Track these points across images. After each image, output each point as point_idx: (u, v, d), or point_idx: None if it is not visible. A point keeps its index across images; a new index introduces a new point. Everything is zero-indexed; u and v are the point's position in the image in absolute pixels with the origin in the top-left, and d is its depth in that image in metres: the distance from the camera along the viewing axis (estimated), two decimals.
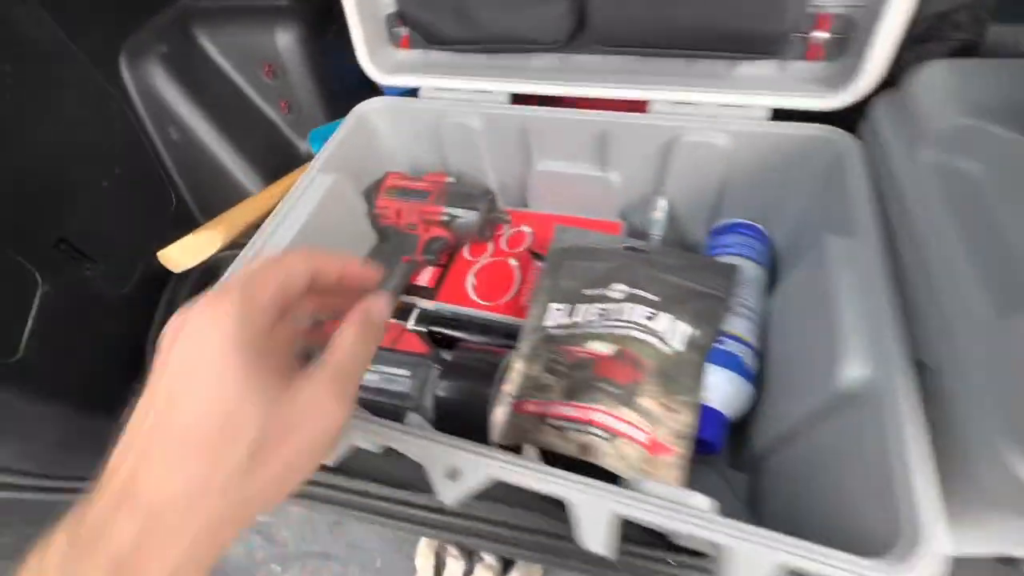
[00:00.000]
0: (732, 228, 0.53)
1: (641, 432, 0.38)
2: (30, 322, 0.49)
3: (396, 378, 0.45)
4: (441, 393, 0.43)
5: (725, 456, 0.46)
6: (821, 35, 0.44)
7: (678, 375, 0.42)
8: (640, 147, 0.51)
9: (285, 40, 0.67)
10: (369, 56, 0.56)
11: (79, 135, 0.57)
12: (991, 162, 0.33)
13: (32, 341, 0.48)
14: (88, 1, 0.58)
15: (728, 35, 0.43)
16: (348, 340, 0.25)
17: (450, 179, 0.56)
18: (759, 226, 0.54)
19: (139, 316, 0.64)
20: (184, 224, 0.72)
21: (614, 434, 0.38)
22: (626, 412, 0.39)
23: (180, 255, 0.46)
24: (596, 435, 0.38)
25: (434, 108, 0.55)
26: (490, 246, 0.60)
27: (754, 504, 0.43)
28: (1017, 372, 0.27)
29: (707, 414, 0.42)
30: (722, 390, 0.43)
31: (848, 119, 0.45)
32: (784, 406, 0.40)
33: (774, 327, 0.46)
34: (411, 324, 0.55)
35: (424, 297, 0.56)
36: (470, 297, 0.55)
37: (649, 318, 0.43)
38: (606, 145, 0.51)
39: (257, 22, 0.67)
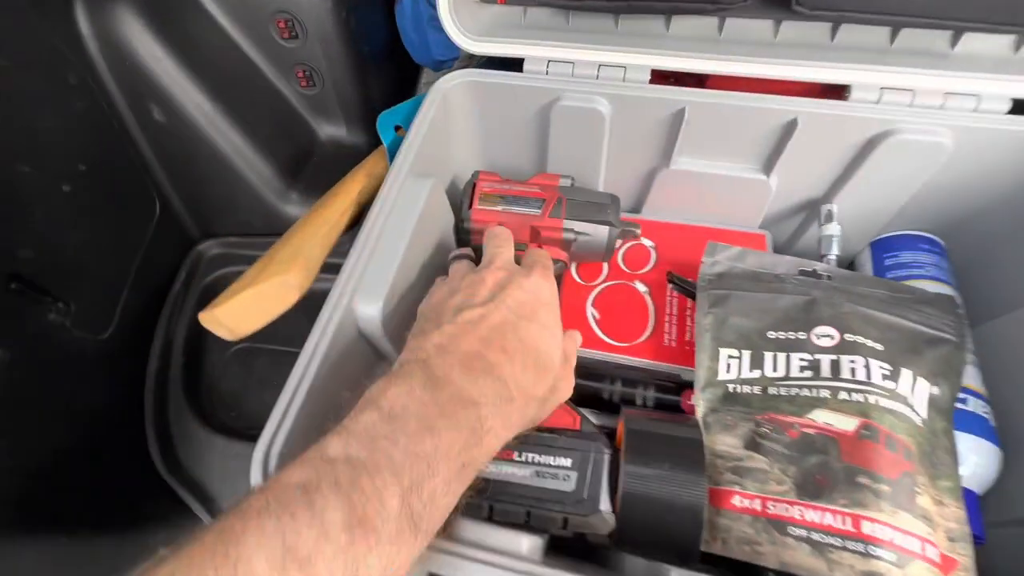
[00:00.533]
0: (914, 243, 0.44)
1: (931, 546, 0.29)
2: None
3: (556, 471, 0.33)
4: (629, 488, 0.31)
5: None
6: None
7: (933, 454, 0.32)
8: (827, 146, 0.40)
9: None
10: (453, 13, 0.41)
11: (24, 121, 0.39)
12: None
13: None
14: None
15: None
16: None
17: (565, 179, 0.43)
18: (940, 241, 0.44)
19: (129, 369, 0.47)
20: (174, 236, 0.54)
21: (904, 554, 0.28)
22: (908, 520, 0.29)
23: (238, 317, 0.29)
24: (882, 559, 0.28)
25: (547, 87, 0.41)
26: (604, 266, 0.47)
27: None
28: None
29: (965, 499, 0.33)
30: (973, 463, 0.34)
31: None
32: None
33: (1003, 372, 0.37)
34: None
35: None
36: (596, 335, 0.43)
37: (888, 377, 0.33)
38: (782, 141, 0.40)
39: None
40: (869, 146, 0.39)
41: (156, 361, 0.49)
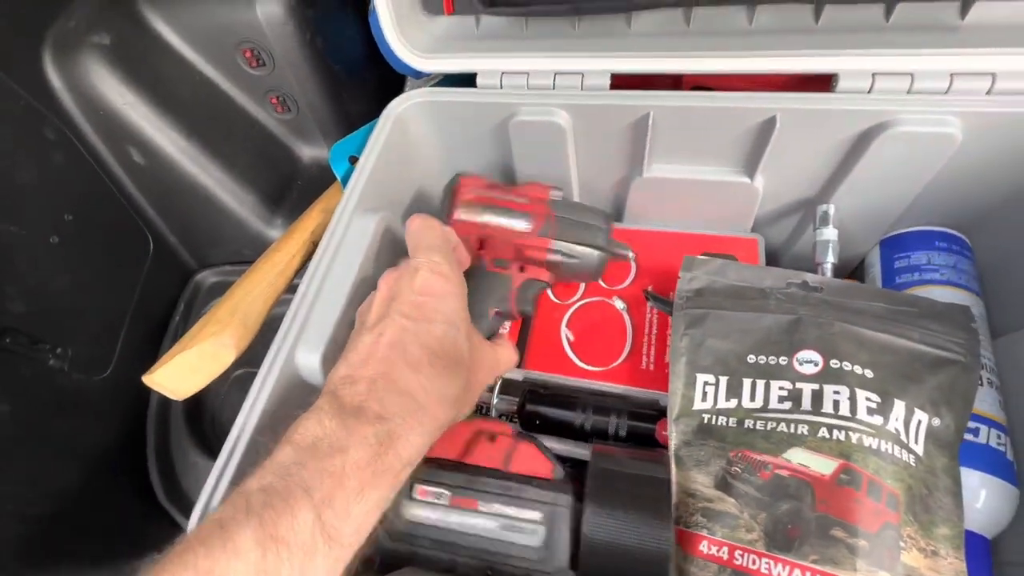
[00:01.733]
0: (928, 240, 0.39)
1: None
2: None
3: (523, 525, 0.31)
4: (590, 533, 0.30)
5: None
6: None
7: (930, 497, 0.29)
8: (815, 143, 0.35)
9: (268, 10, 0.49)
10: (398, 31, 0.39)
11: (5, 181, 0.41)
12: None
13: None
14: None
15: None
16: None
17: (556, 193, 0.39)
18: (963, 237, 0.39)
19: (131, 403, 0.50)
20: (170, 268, 0.56)
21: None
22: None
23: (177, 379, 0.31)
24: None
25: (501, 102, 0.39)
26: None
27: None
28: None
29: (970, 545, 0.29)
30: (982, 504, 0.30)
31: None
32: None
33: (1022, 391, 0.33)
34: (494, 400, 0.41)
35: None
36: (569, 359, 0.41)
37: (875, 410, 0.30)
38: (762, 142, 0.36)
39: None
40: (863, 141, 0.34)
41: (158, 394, 0.51)
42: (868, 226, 0.41)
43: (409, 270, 0.29)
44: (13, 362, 0.40)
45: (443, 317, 0.28)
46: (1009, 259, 0.37)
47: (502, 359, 0.35)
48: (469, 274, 0.38)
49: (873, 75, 0.32)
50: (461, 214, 0.38)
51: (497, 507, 0.31)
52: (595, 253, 0.37)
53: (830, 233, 0.38)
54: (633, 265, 0.45)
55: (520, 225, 0.37)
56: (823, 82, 0.34)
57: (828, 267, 0.38)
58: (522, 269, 0.38)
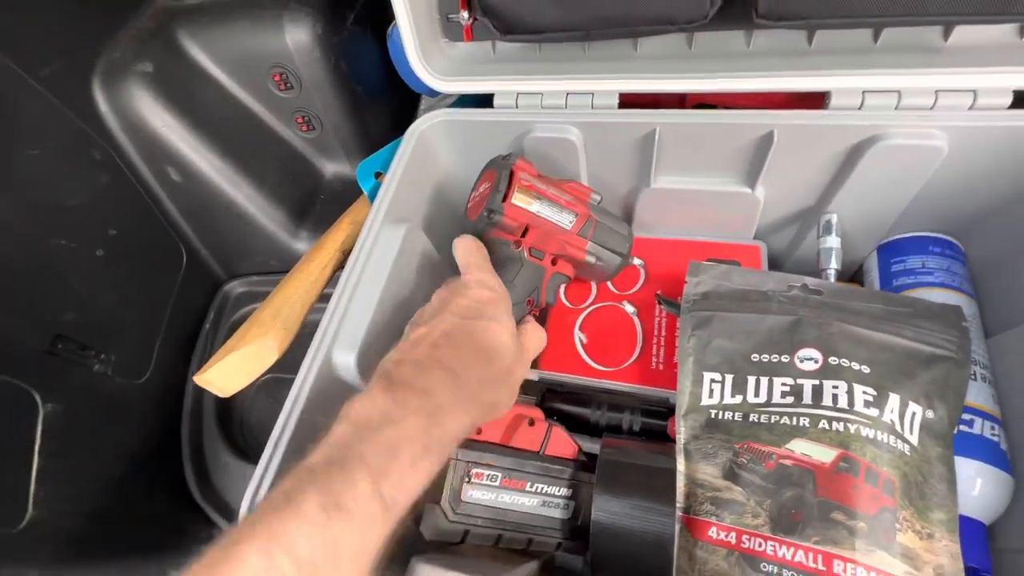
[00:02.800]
0: (923, 245, 0.41)
1: None
2: (36, 462, 0.38)
3: (557, 500, 0.34)
4: (598, 518, 0.33)
5: None
6: None
7: (925, 484, 0.30)
8: (811, 156, 0.38)
9: (297, 38, 0.52)
10: (421, 56, 0.42)
11: (59, 199, 0.44)
12: None
13: (43, 489, 0.37)
14: (39, 17, 0.44)
15: None
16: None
17: (596, 196, 0.41)
18: (956, 242, 0.41)
19: (167, 407, 0.52)
20: (201, 278, 0.60)
21: None
22: (885, 559, 0.28)
23: (225, 378, 0.34)
24: None
25: (517, 120, 0.42)
26: (593, 286, 0.47)
27: None
28: None
29: (966, 530, 0.31)
30: (979, 491, 0.32)
31: None
32: None
33: (1016, 386, 0.35)
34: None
35: None
36: (583, 360, 0.44)
37: (871, 403, 0.32)
38: (761, 155, 0.38)
39: (260, 18, 0.52)
40: (856, 153, 0.36)
41: (191, 397, 0.54)
42: (866, 233, 0.43)
43: (461, 285, 0.33)
44: (64, 367, 0.43)
45: (491, 316, 0.31)
46: (1000, 262, 0.39)
47: (532, 345, 0.36)
48: (507, 260, 0.38)
49: (863, 93, 0.35)
50: (517, 199, 0.37)
51: (539, 486, 0.34)
52: (618, 259, 0.40)
53: (833, 241, 0.41)
54: (642, 271, 0.47)
55: (566, 222, 0.38)
56: (817, 99, 0.37)
57: (832, 273, 0.41)
58: (554, 262, 0.40)
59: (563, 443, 0.35)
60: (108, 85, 0.48)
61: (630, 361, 0.43)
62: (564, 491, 0.34)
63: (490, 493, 0.33)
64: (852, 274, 0.48)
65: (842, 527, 0.29)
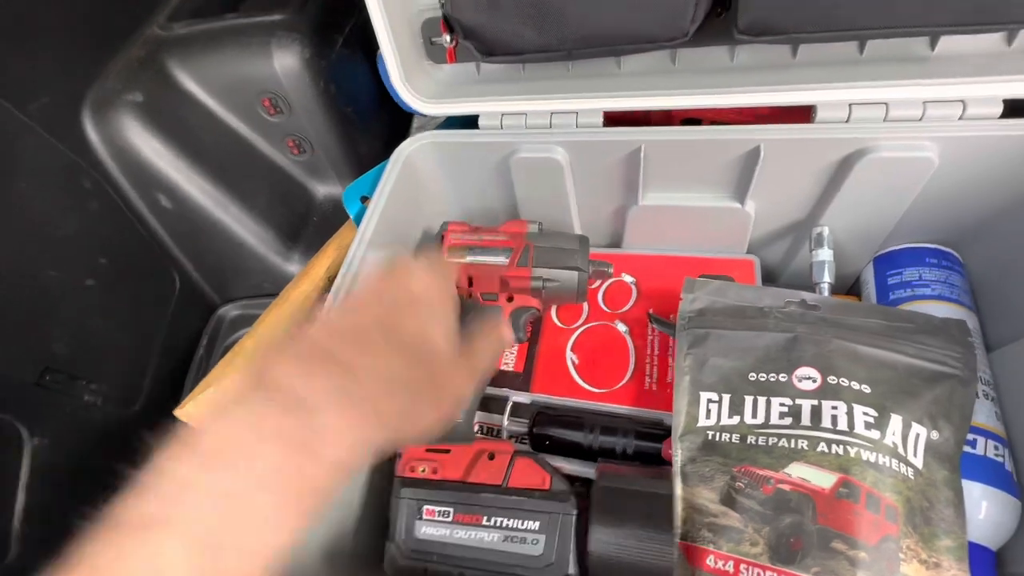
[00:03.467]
0: (919, 257, 0.40)
1: None
2: (21, 497, 0.37)
3: (524, 535, 0.33)
4: (597, 549, 0.31)
5: None
6: None
7: (931, 509, 0.29)
8: (800, 170, 0.37)
9: (285, 63, 0.53)
10: (405, 79, 0.42)
11: (49, 231, 0.44)
12: None
13: (27, 526, 0.36)
14: (28, 50, 0.44)
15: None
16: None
17: (532, 226, 0.43)
18: (954, 253, 0.40)
19: (160, 435, 0.51)
20: (194, 303, 0.59)
21: None
22: None
23: (204, 413, 0.34)
24: None
25: (502, 141, 0.42)
26: (585, 306, 0.47)
27: None
28: None
29: (975, 557, 0.30)
30: (984, 515, 0.31)
31: None
32: None
33: (1018, 403, 0.33)
34: (507, 424, 0.43)
35: (515, 387, 0.44)
36: (575, 382, 0.43)
37: (872, 425, 0.31)
38: (749, 170, 0.38)
39: (248, 45, 0.52)
40: (845, 166, 0.36)
41: (183, 425, 0.54)
42: (860, 245, 0.42)
43: (401, 269, 0.27)
44: (53, 399, 0.42)
45: (424, 311, 0.25)
46: (1000, 273, 0.38)
47: (485, 353, 0.29)
48: (462, 312, 0.41)
49: (850, 105, 0.34)
50: (448, 258, 0.42)
51: (498, 520, 0.32)
52: (573, 274, 0.40)
53: (825, 254, 0.40)
54: (634, 289, 0.46)
55: (500, 260, 0.40)
56: (803, 113, 0.36)
57: (825, 287, 0.40)
58: (510, 299, 0.41)
59: (531, 474, 0.34)
60: (98, 115, 0.48)
61: (623, 382, 0.42)
62: (532, 524, 0.32)
63: (444, 529, 0.33)
64: (850, 287, 0.47)
65: (842, 557, 0.27)
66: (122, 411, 0.49)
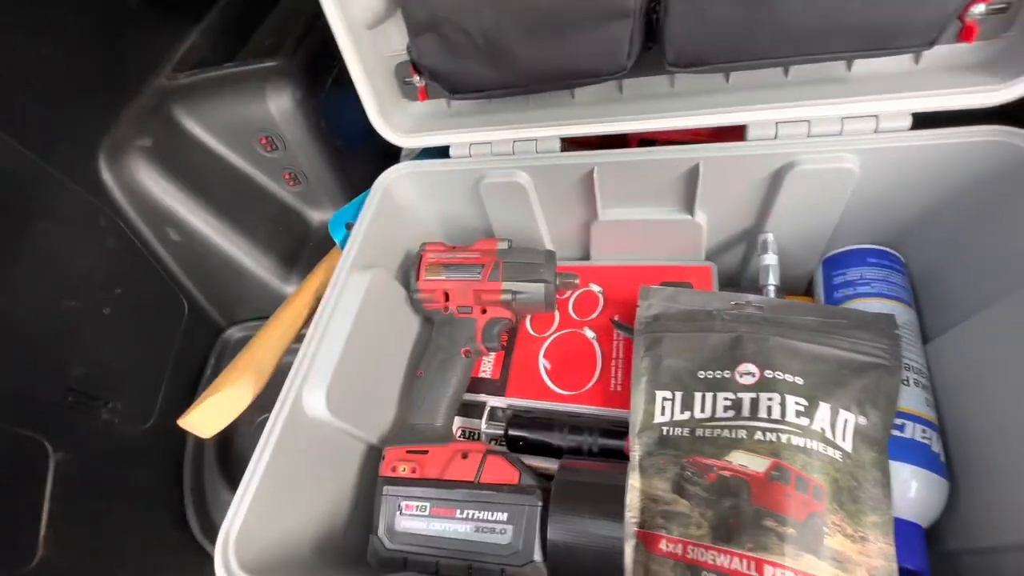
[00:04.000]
0: (861, 258, 0.43)
1: None
2: (46, 506, 0.41)
3: (493, 526, 0.36)
4: (555, 536, 0.35)
5: None
6: (978, 7, 0.33)
7: (859, 488, 0.32)
8: (738, 183, 0.41)
9: (279, 104, 0.58)
10: (382, 116, 0.47)
11: (69, 265, 0.50)
12: None
13: (52, 532, 0.41)
14: (50, 106, 0.50)
15: (860, 29, 0.33)
16: None
17: (503, 243, 0.47)
18: (895, 253, 0.43)
19: (170, 448, 0.56)
20: (202, 327, 0.64)
21: None
22: (812, 562, 0.29)
23: (205, 421, 0.38)
24: None
25: (471, 169, 0.46)
26: (556, 315, 0.50)
27: None
28: None
29: (903, 532, 0.32)
30: (914, 494, 0.33)
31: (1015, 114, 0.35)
32: (1000, 513, 0.30)
33: (954, 390, 0.36)
34: (484, 427, 0.46)
35: (492, 393, 0.47)
36: (547, 386, 0.46)
37: (802, 413, 0.34)
38: (692, 185, 0.41)
39: (245, 90, 0.58)
40: (777, 178, 0.39)
41: (192, 439, 0.58)
42: (806, 248, 0.45)
43: None
44: (74, 418, 0.47)
45: None
46: (932, 270, 0.41)
47: None
48: (440, 322, 0.46)
49: (776, 124, 0.38)
50: (427, 276, 0.46)
51: (470, 512, 0.36)
52: (540, 286, 0.43)
53: (770, 259, 0.43)
54: (601, 298, 0.50)
55: (475, 275, 0.45)
56: (738, 132, 0.40)
57: (771, 289, 0.43)
58: (484, 311, 0.45)
59: (501, 470, 0.37)
60: (112, 160, 0.54)
61: (590, 384, 0.45)
62: (500, 516, 0.36)
63: (421, 522, 0.36)
64: (806, 288, 0.50)
65: (773, 533, 0.30)
66: (137, 427, 0.53)
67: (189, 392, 0.60)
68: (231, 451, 0.59)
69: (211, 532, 0.53)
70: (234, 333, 0.67)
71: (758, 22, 0.33)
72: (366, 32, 0.43)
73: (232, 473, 0.58)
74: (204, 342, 0.65)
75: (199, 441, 0.58)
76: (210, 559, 0.53)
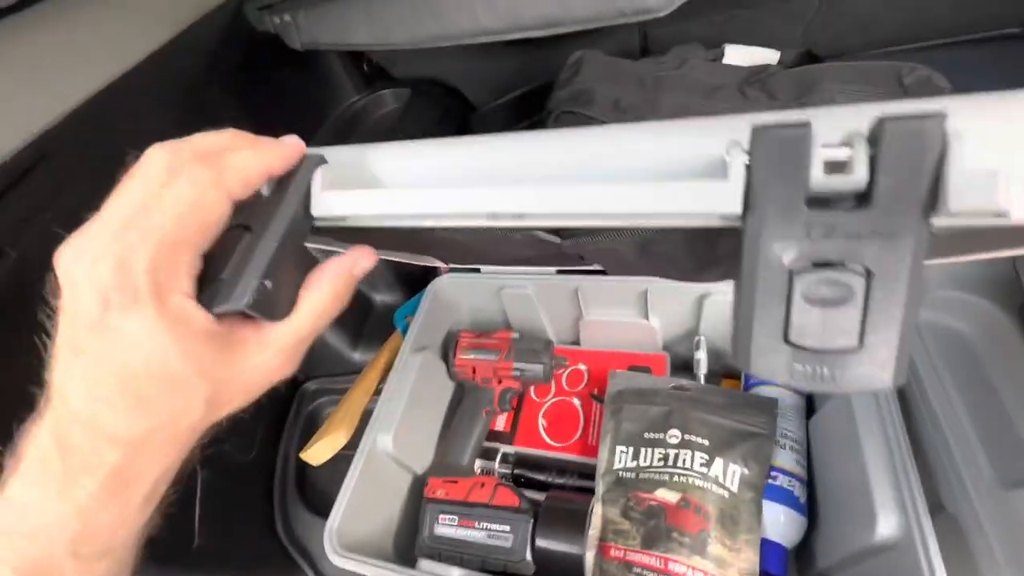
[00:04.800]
0: None
1: None
2: (197, 509, 0.61)
3: (499, 534, 0.54)
4: (539, 543, 0.52)
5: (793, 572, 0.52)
6: None
7: (738, 516, 0.49)
8: (676, 302, 0.60)
9: None
10: None
11: None
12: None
13: (202, 527, 0.60)
14: None
15: None
16: (322, 300, 0.25)
17: (515, 335, 0.66)
18: None
19: (264, 474, 0.76)
20: (288, 382, 0.85)
21: None
22: (699, 561, 0.46)
23: (317, 455, 0.58)
24: None
25: (495, 283, 0.66)
26: (552, 386, 0.69)
27: None
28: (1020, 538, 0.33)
29: (768, 548, 0.49)
30: (778, 524, 0.50)
31: None
32: (833, 542, 0.46)
33: (817, 454, 0.53)
34: (497, 467, 0.64)
35: (503, 442, 0.66)
36: (543, 439, 0.64)
37: (704, 464, 0.51)
38: (644, 301, 0.61)
39: None
40: (701, 301, 0.58)
41: (279, 468, 0.77)
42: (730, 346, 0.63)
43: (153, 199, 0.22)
44: (211, 448, 0.67)
45: (127, 299, 0.21)
46: None
47: (309, 314, 0.25)
48: (469, 389, 0.64)
49: None
50: (461, 356, 0.65)
51: (484, 524, 0.53)
52: (540, 366, 0.62)
53: (701, 355, 0.61)
54: (585, 374, 0.68)
55: (492, 357, 0.64)
56: None
57: (702, 376, 0.61)
58: (500, 382, 0.64)
59: (508, 496, 0.55)
60: None
61: (575, 439, 0.63)
62: (504, 528, 0.53)
63: (451, 529, 0.54)
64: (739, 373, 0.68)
65: (676, 542, 0.47)
66: (244, 458, 0.73)
67: (278, 430, 0.80)
68: (306, 479, 0.78)
69: (292, 538, 0.71)
70: (310, 386, 0.87)
71: None
72: None
73: (307, 496, 0.77)
74: (287, 393, 0.85)
75: (284, 469, 0.78)
76: (290, 558, 0.70)
